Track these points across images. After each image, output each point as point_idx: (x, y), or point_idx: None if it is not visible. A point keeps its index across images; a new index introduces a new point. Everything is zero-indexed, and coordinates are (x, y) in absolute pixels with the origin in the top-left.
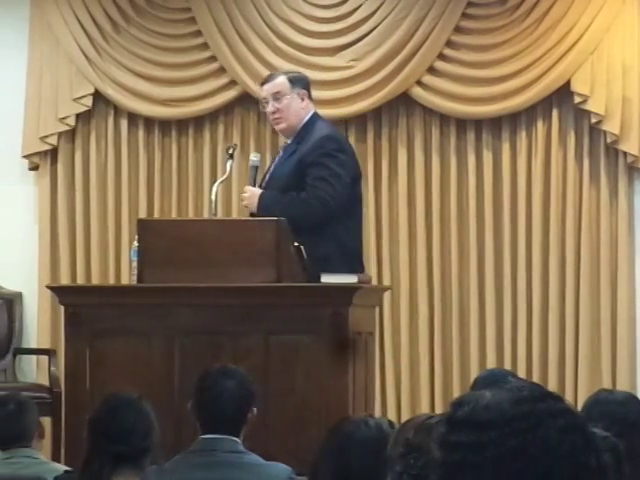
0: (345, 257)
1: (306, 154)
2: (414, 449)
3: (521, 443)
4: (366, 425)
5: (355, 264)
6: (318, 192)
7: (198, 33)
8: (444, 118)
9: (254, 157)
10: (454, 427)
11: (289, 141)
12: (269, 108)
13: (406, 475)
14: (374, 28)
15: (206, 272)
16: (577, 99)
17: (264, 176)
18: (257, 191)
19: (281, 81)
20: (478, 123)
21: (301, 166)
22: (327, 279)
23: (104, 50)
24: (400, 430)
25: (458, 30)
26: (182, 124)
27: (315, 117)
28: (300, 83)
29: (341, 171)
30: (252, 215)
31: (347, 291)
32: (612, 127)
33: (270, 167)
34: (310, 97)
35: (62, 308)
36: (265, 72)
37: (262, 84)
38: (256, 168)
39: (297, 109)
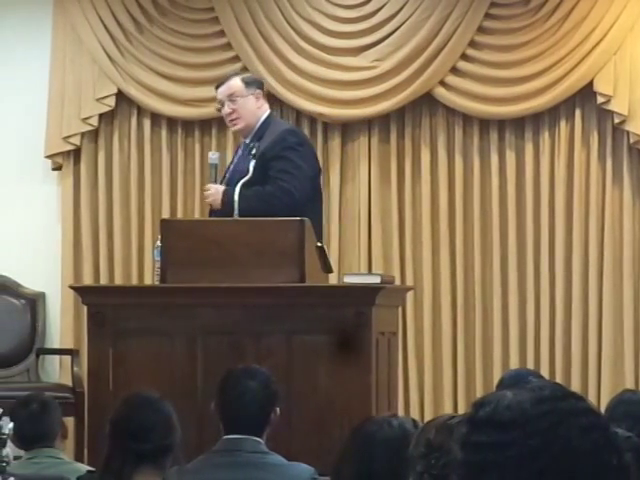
0: None
1: (268, 148)
2: (435, 449)
3: (542, 442)
4: (389, 425)
5: None
6: (283, 184)
7: (221, 33)
8: (467, 118)
9: (213, 155)
10: (476, 427)
11: (247, 140)
12: (225, 110)
13: (427, 475)
14: (397, 28)
15: (229, 272)
16: (600, 99)
17: (224, 174)
18: (220, 188)
19: (235, 83)
20: (501, 123)
21: (263, 160)
22: (350, 279)
23: (127, 50)
24: (422, 430)
25: (481, 30)
26: (205, 124)
27: (272, 116)
28: (255, 84)
29: (303, 164)
30: (213, 212)
31: (370, 291)
32: (635, 127)
33: (230, 165)
34: (265, 97)
35: (85, 308)
36: (289, 72)
37: (217, 87)
38: (216, 166)
39: (253, 109)
